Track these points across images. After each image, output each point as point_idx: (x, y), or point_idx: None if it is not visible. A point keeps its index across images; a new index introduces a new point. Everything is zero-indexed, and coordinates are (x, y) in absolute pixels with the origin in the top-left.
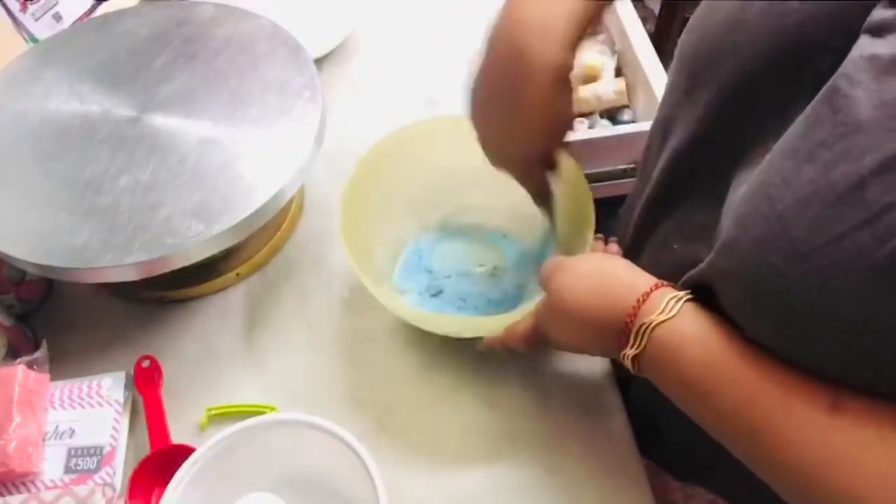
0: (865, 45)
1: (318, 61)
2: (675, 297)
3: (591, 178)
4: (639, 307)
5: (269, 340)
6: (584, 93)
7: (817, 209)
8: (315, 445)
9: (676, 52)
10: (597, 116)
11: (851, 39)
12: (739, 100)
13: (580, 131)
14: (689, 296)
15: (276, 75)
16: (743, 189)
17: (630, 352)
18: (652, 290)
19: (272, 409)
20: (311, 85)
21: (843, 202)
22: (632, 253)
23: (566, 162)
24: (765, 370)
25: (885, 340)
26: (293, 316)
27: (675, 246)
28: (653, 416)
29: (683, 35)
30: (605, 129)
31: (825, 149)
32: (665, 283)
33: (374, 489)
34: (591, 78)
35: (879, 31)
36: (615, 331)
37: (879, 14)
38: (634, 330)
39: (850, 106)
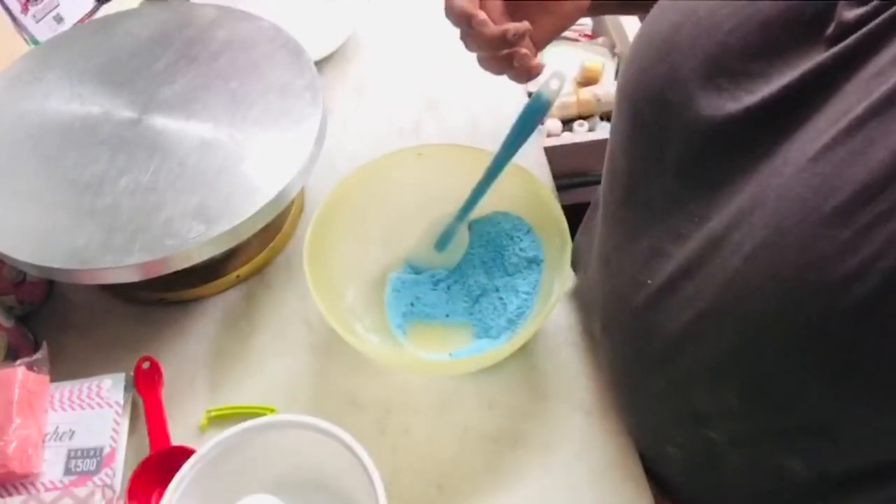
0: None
1: (319, 63)
2: None
3: (592, 181)
4: None
5: (269, 342)
6: (584, 95)
7: (850, 190)
8: (315, 447)
9: (617, 86)
10: (597, 119)
11: (780, 46)
12: (677, 114)
13: (580, 133)
14: None
15: (276, 77)
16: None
17: None
18: None
19: (272, 410)
20: (311, 87)
21: (883, 179)
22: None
23: (528, 178)
24: None
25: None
26: (293, 317)
27: (622, 268)
28: None
29: (622, 68)
30: (605, 131)
31: (860, 129)
32: None
33: (374, 490)
34: (591, 80)
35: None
36: None
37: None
38: None
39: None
